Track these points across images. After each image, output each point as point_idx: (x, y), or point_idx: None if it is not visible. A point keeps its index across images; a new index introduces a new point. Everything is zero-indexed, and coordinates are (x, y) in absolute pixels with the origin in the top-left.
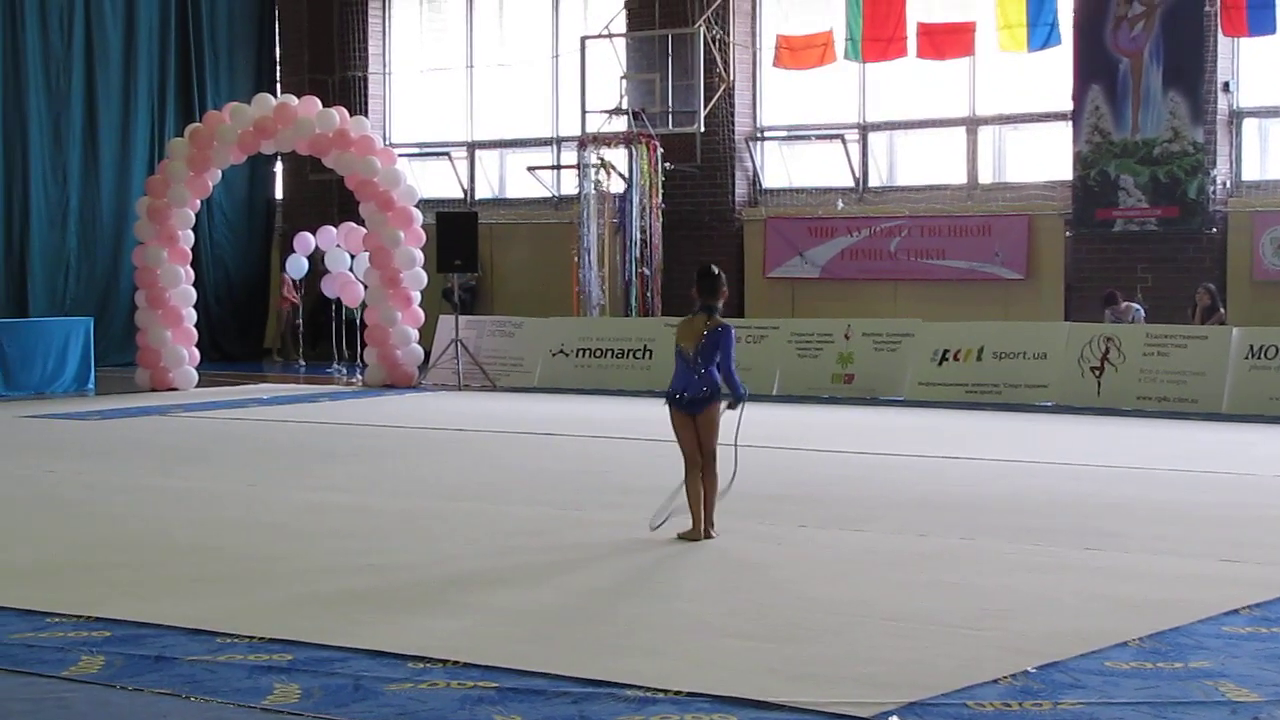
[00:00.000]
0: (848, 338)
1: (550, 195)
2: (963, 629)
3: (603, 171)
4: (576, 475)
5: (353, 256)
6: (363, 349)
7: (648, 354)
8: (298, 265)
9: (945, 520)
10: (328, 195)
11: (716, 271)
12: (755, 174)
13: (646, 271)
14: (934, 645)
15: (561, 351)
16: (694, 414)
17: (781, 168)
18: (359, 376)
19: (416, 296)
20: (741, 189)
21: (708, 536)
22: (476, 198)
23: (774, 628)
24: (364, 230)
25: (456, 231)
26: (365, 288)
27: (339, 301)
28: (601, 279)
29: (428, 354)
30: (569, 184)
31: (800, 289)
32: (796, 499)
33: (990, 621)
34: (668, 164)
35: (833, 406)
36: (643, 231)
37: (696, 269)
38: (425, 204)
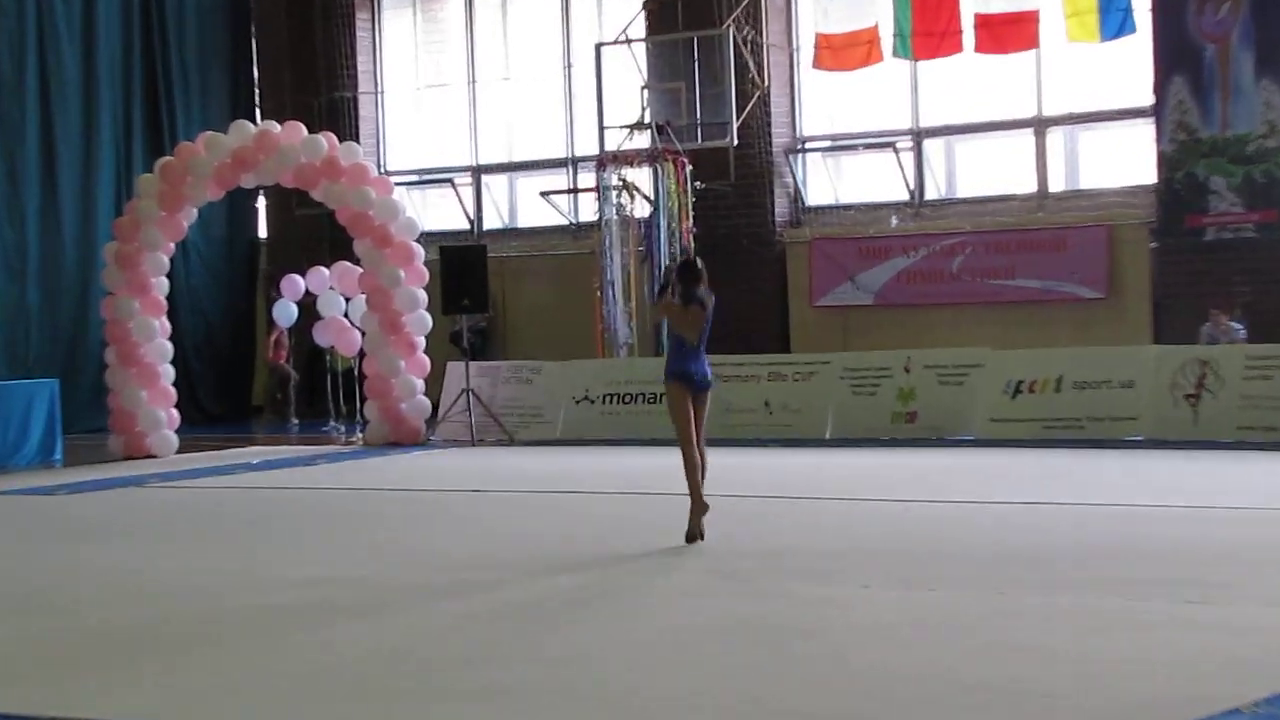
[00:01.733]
0: (908, 371)
1: (567, 223)
2: (1055, 698)
3: (625, 194)
4: (607, 534)
5: (348, 300)
6: (362, 403)
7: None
8: (286, 312)
9: (1026, 574)
10: (317, 232)
11: (699, 262)
12: (797, 190)
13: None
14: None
15: (586, 398)
16: (702, 391)
17: (826, 183)
18: (359, 434)
19: (421, 342)
20: (782, 208)
21: (702, 515)
22: (484, 229)
23: (843, 705)
24: (359, 270)
25: (463, 267)
26: (363, 334)
27: (333, 351)
28: (628, 314)
29: (436, 406)
30: (587, 209)
31: (853, 318)
32: (856, 556)
33: (1084, 688)
34: (698, 183)
35: (893, 449)
36: (672, 260)
37: (678, 263)
38: (427, 238)
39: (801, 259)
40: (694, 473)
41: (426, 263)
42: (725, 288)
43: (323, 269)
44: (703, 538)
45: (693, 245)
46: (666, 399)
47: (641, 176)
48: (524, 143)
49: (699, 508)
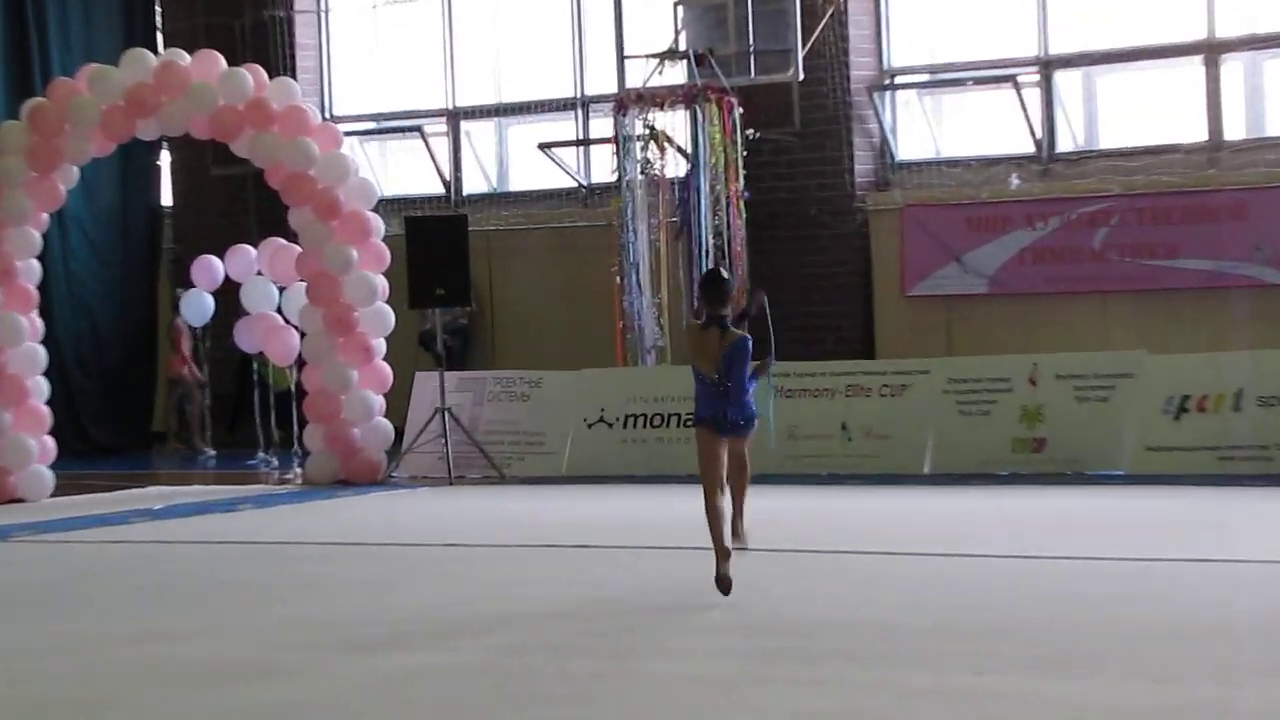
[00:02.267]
0: (1034, 383)
1: (576, 185)
2: None
3: (653, 146)
4: (628, 602)
5: (281, 290)
6: (301, 429)
7: None
8: (199, 307)
9: (1198, 655)
10: (240, 199)
11: (726, 275)
12: (884, 141)
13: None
14: None
15: (602, 420)
16: (738, 436)
17: (924, 131)
18: (297, 470)
19: (380, 346)
20: (864, 164)
21: (740, 546)
22: (464, 193)
23: None
24: (297, 249)
25: (436, 245)
26: (302, 336)
27: (263, 359)
28: (657, 308)
29: (400, 432)
30: (603, 167)
31: (959, 311)
32: (969, 633)
33: None
34: (751, 131)
35: (1015, 488)
36: (717, 234)
37: (702, 276)
38: (388, 206)
39: (890, 233)
40: (717, 523)
41: (387, 239)
42: (787, 271)
43: (248, 249)
44: (730, 590)
45: (742, 216)
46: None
47: (675, 122)
48: (517, 79)
49: (722, 554)
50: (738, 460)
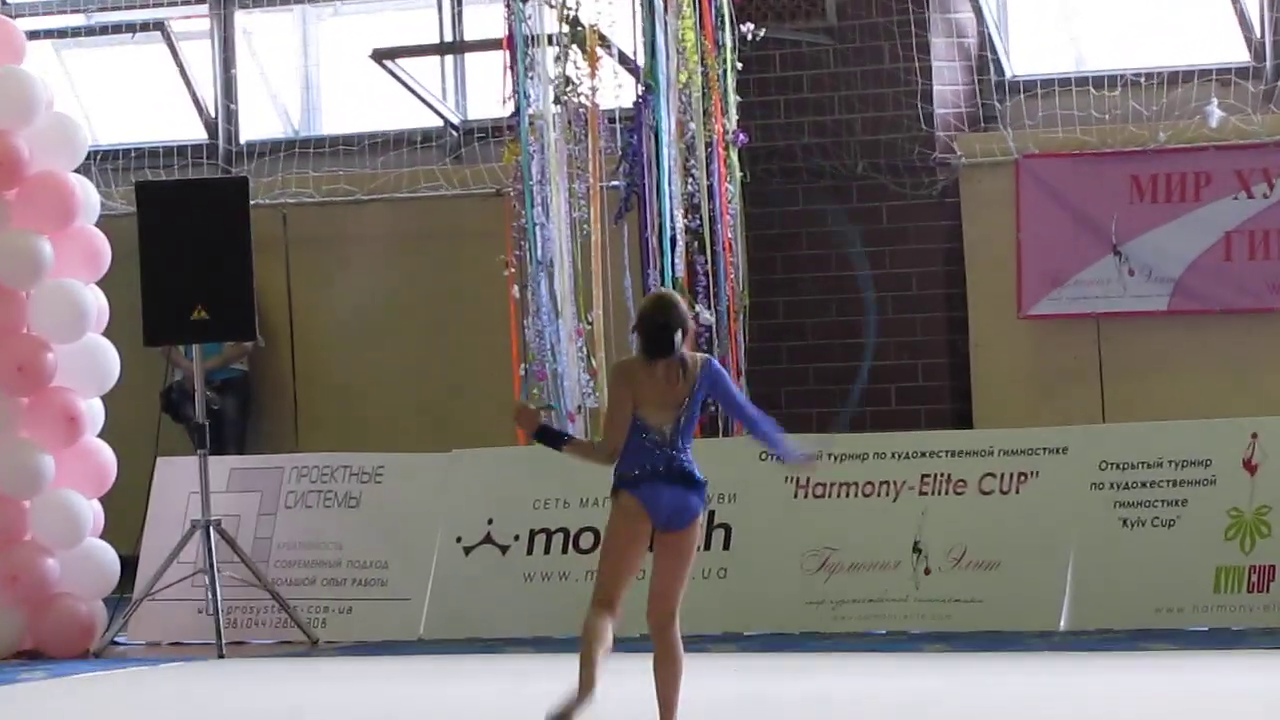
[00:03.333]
0: (1253, 469)
1: (441, 124)
2: None
3: (577, 53)
4: None
5: None
6: None
7: (721, 535)
8: None
9: None
10: None
11: (677, 305)
12: (986, 44)
13: (706, 314)
14: None
15: (489, 540)
16: (667, 530)
17: (1055, 28)
18: None
19: (92, 414)
20: (950, 83)
21: None
22: (242, 140)
23: None
24: None
25: (193, 232)
26: None
27: None
28: (583, 341)
29: (129, 565)
30: (488, 93)
31: (1117, 341)
32: None
33: None
34: (749, 27)
35: (1223, 656)
36: (691, 208)
37: (640, 310)
38: (108, 164)
39: (996, 206)
40: (591, 648)
41: (105, 223)
42: (814, 277)
43: None
44: None
45: (734, 176)
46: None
47: (615, 11)
48: None
49: (583, 686)
50: (665, 611)
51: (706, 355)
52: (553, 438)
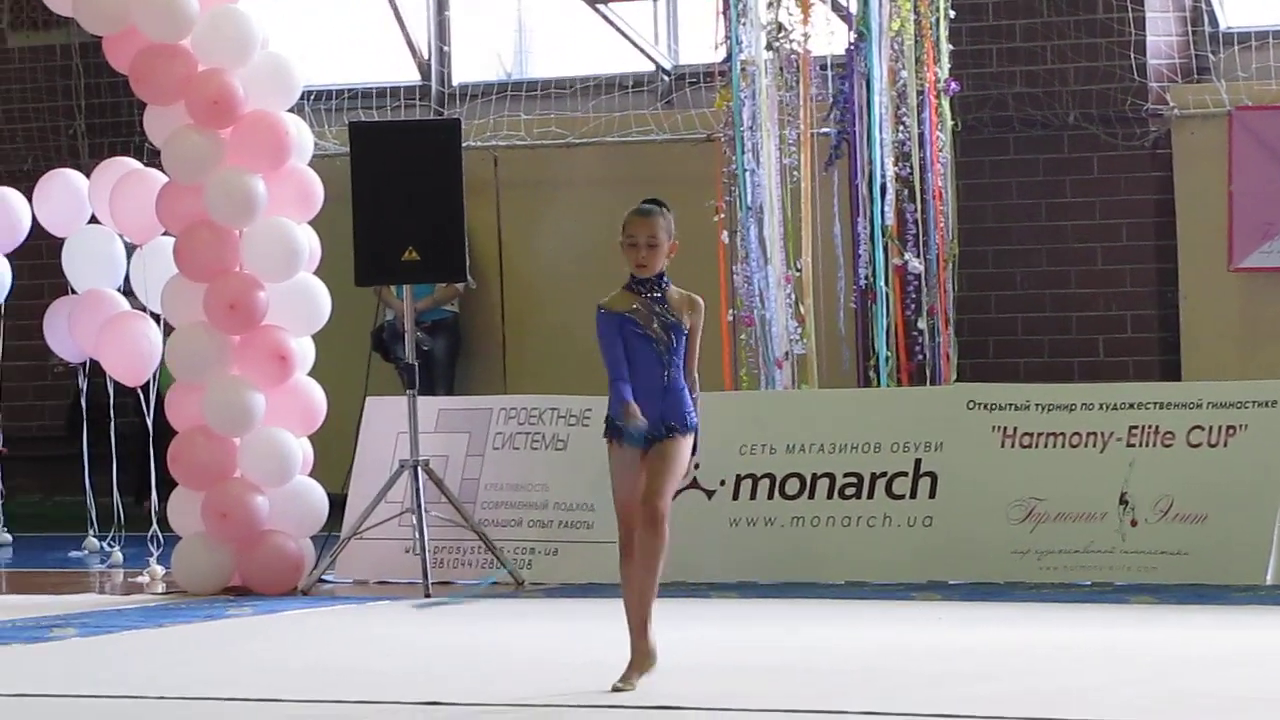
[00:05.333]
0: None
1: (652, 69)
2: None
3: (786, 1)
4: None
5: (130, 250)
6: (163, 491)
7: (928, 483)
8: None
9: None
10: (54, 88)
11: (657, 207)
12: None
13: (916, 263)
14: None
15: (695, 485)
16: (650, 442)
17: None
18: (155, 567)
19: (303, 353)
20: (1163, 34)
21: (642, 670)
22: (454, 83)
23: None
24: (159, 179)
25: (405, 173)
26: (166, 333)
27: (93, 368)
28: (796, 284)
29: (338, 504)
30: (700, 38)
31: None
32: None
33: None
34: None
35: None
36: (902, 156)
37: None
38: (321, 104)
39: (1208, 157)
40: (630, 594)
41: (318, 162)
42: (1021, 225)
43: (70, 176)
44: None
45: (945, 125)
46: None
47: None
48: None
49: (638, 652)
50: (652, 510)
51: (694, 296)
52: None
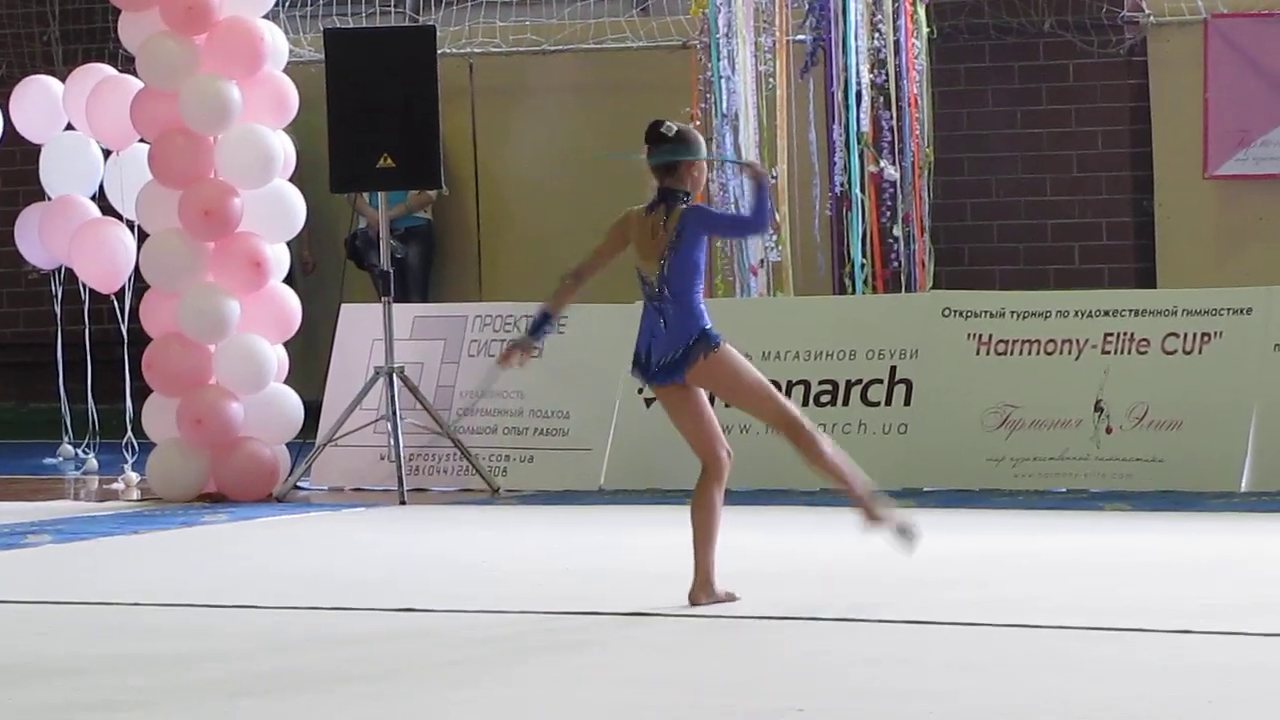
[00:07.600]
0: None
1: None
2: None
3: None
4: None
5: (106, 156)
6: (137, 400)
7: (903, 390)
8: None
9: None
10: None
11: (673, 130)
12: None
13: (891, 170)
14: None
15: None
16: (675, 383)
17: None
18: (130, 474)
19: (278, 259)
20: None
21: (873, 518)
22: None
23: None
24: (134, 85)
25: (379, 81)
26: (140, 240)
27: (66, 275)
28: (767, 191)
29: (313, 411)
30: None
31: None
32: None
33: None
34: None
35: None
36: (877, 63)
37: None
38: (295, 10)
39: (1183, 66)
40: (699, 542)
41: (293, 69)
42: (998, 134)
43: (44, 81)
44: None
45: (921, 32)
46: None
47: None
48: None
49: (700, 574)
50: (782, 420)
51: (692, 204)
52: (540, 322)
